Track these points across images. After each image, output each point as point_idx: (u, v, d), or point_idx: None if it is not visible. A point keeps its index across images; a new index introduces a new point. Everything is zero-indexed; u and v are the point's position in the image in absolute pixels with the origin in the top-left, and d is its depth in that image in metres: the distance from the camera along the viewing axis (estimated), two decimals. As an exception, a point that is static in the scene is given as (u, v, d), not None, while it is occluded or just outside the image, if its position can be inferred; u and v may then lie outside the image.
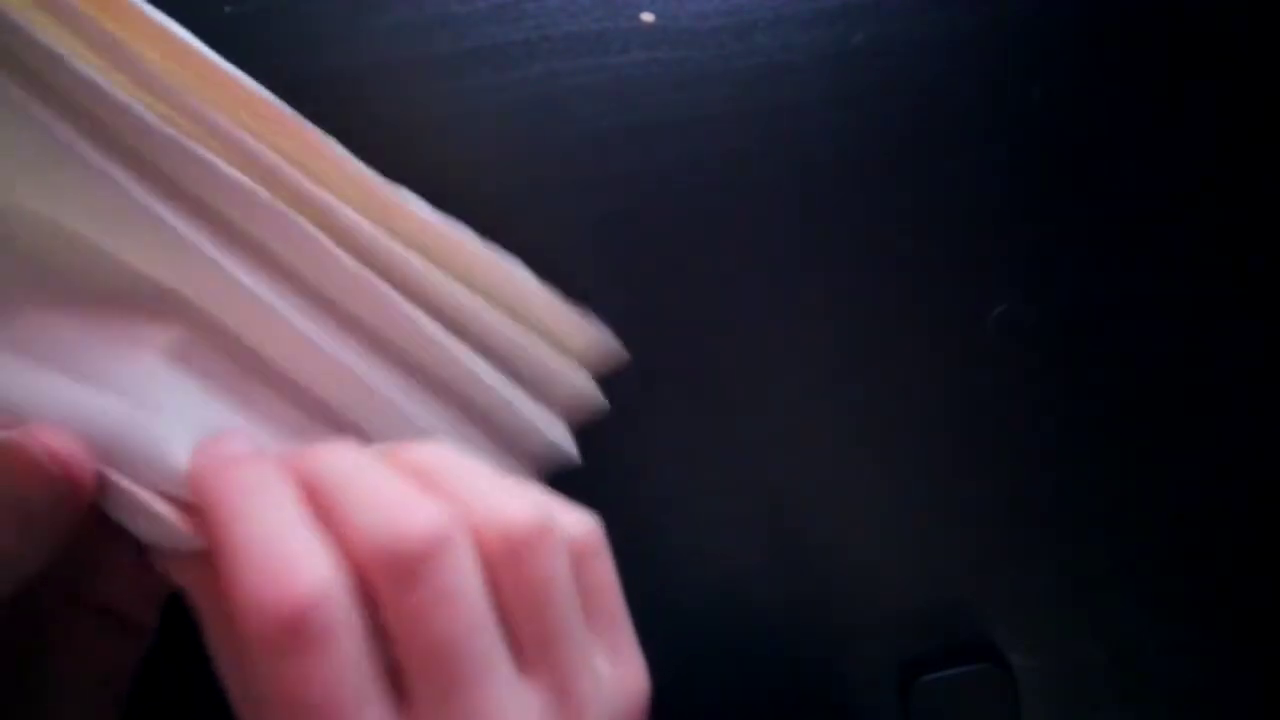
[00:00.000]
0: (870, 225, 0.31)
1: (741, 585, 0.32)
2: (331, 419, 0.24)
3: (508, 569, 0.19)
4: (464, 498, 0.20)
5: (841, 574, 0.32)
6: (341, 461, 0.20)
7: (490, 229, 0.27)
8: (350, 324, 0.24)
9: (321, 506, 0.19)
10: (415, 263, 0.25)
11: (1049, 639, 0.34)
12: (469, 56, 0.29)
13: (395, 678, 0.19)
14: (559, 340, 0.28)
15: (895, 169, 0.31)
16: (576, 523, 0.21)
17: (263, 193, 0.22)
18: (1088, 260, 0.32)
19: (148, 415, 0.20)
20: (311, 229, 0.23)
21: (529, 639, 0.20)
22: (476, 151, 0.29)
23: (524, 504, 0.20)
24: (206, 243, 0.22)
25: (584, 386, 0.28)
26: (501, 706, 0.19)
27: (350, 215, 0.24)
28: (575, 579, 0.20)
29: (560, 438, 0.27)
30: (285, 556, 0.18)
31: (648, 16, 0.29)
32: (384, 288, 0.24)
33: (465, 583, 0.19)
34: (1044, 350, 0.32)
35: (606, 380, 0.29)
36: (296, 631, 0.17)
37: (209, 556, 0.19)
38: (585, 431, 0.28)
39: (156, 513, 0.20)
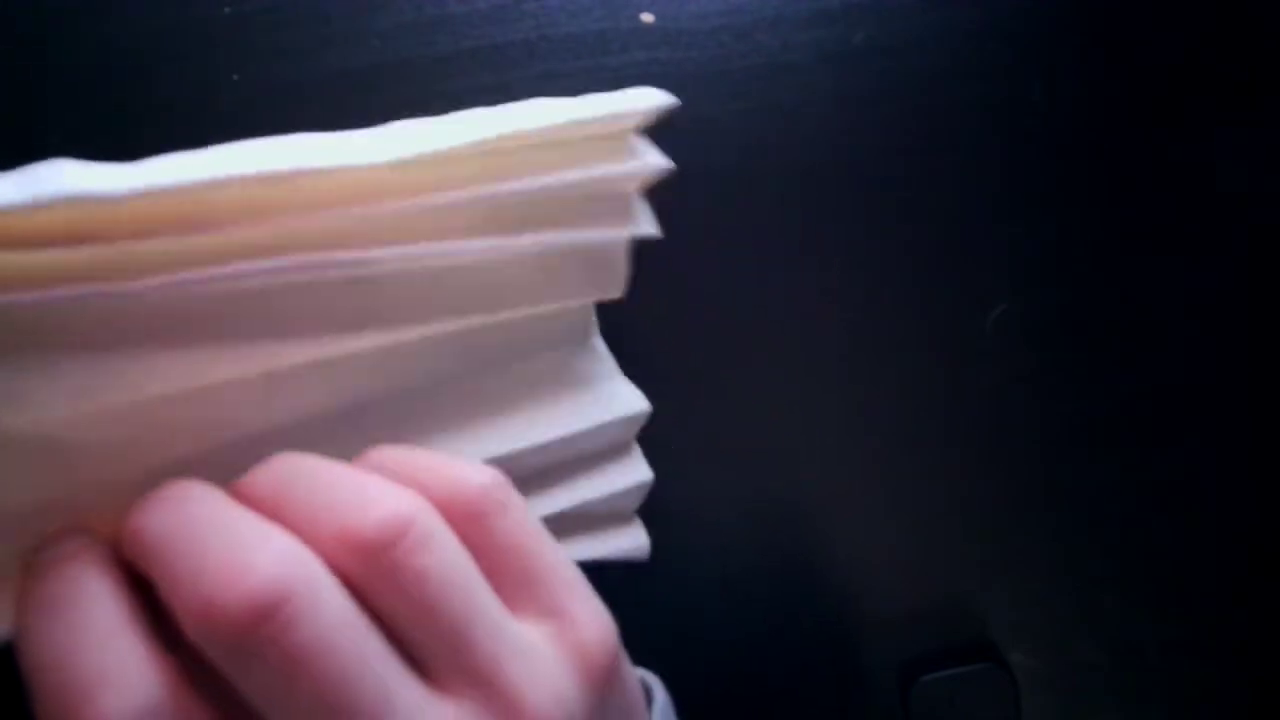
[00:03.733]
0: (870, 225, 0.31)
1: (741, 585, 0.32)
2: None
3: (378, 578, 0.17)
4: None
5: (842, 574, 0.32)
6: (277, 463, 0.19)
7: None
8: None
9: (268, 507, 0.17)
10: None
11: (1049, 639, 0.34)
12: (469, 56, 0.29)
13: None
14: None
15: (895, 169, 0.31)
16: (458, 484, 0.18)
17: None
18: (1088, 260, 0.32)
19: None
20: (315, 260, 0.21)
21: (428, 649, 0.17)
22: (476, 151, 0.29)
23: (381, 509, 0.17)
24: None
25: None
26: (506, 661, 0.17)
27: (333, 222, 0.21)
28: (475, 548, 0.18)
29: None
30: (236, 546, 0.16)
31: (648, 16, 0.29)
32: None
33: (447, 545, 0.17)
34: (1044, 350, 0.32)
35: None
36: (270, 611, 0.15)
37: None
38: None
39: None
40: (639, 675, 0.23)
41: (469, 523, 0.18)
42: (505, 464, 0.22)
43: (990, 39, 0.31)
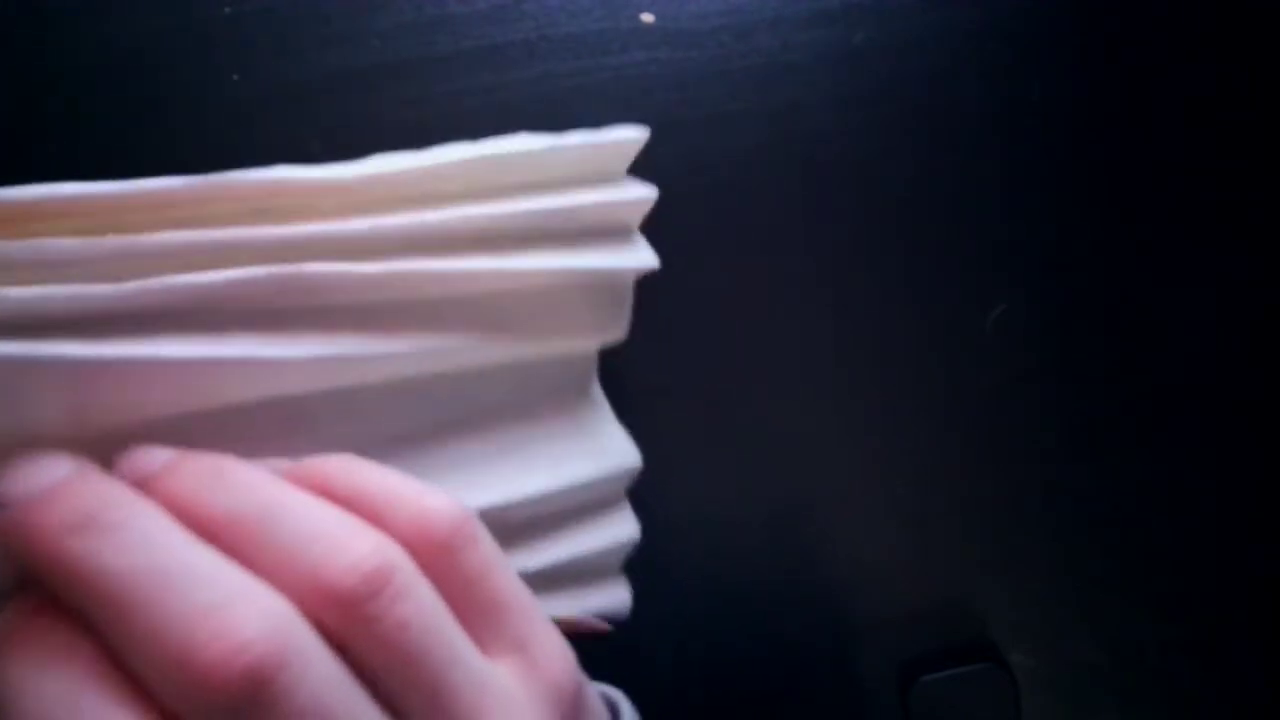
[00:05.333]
0: (870, 225, 0.31)
1: (741, 585, 0.32)
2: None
3: (356, 628, 0.16)
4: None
5: (842, 574, 0.32)
6: (248, 493, 0.17)
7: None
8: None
9: (224, 542, 0.16)
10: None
11: (1049, 639, 0.34)
12: (469, 56, 0.29)
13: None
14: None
15: (895, 169, 0.31)
16: (427, 518, 0.18)
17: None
18: (1088, 260, 0.32)
19: None
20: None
21: (408, 699, 0.17)
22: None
23: (357, 557, 0.17)
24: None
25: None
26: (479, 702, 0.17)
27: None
28: (440, 582, 0.18)
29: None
30: (215, 603, 0.15)
31: (648, 17, 0.29)
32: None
33: (424, 592, 0.17)
34: (1044, 350, 0.32)
35: (604, 381, 0.29)
36: (265, 679, 0.15)
37: None
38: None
39: None
40: (603, 691, 0.24)
41: (437, 557, 0.18)
42: (495, 515, 0.22)
43: (990, 39, 0.31)
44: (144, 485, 0.17)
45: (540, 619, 0.19)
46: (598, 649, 0.23)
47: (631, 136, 0.25)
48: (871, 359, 0.31)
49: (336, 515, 0.17)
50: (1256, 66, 0.32)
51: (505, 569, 0.19)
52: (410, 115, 0.28)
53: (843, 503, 0.32)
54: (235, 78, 0.28)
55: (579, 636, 0.21)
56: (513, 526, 0.23)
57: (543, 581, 0.24)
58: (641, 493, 0.27)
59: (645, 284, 0.27)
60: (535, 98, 0.29)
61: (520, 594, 0.19)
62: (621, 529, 0.26)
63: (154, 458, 0.18)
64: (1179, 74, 0.32)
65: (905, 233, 0.31)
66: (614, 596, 0.26)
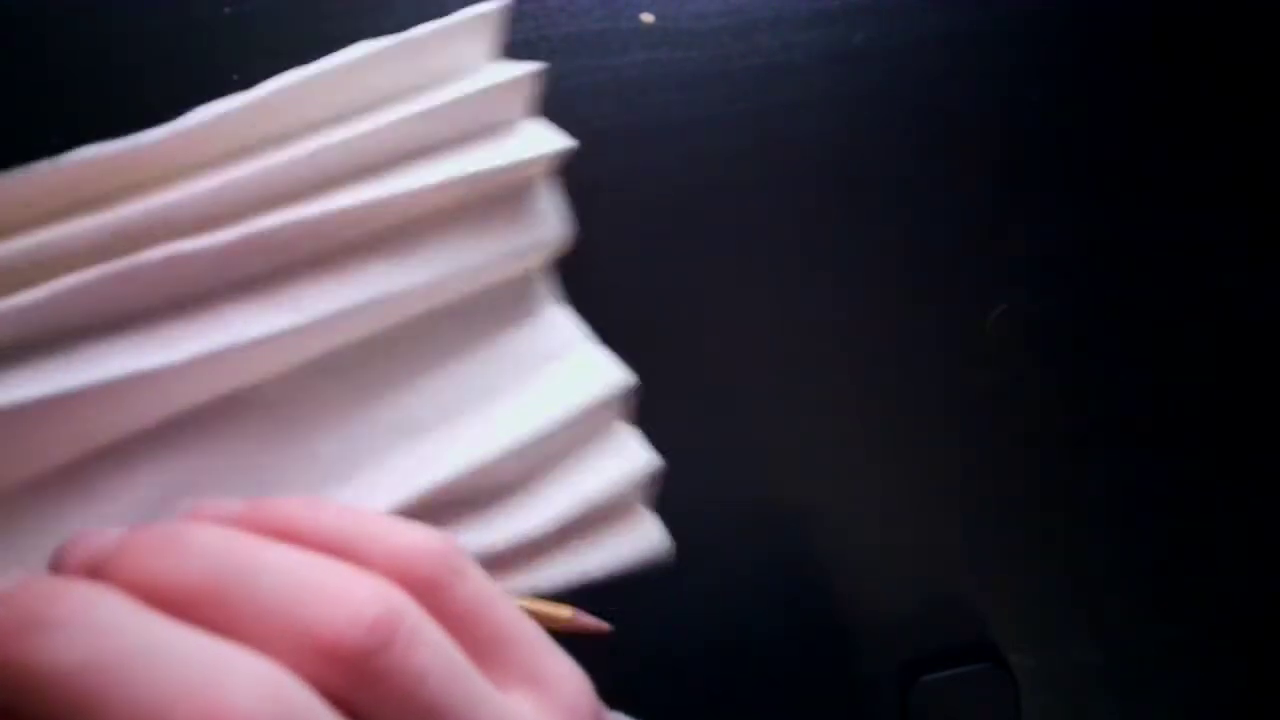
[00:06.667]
0: (869, 225, 0.31)
1: (741, 585, 0.32)
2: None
3: (369, 686, 0.15)
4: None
5: (842, 574, 0.32)
6: (216, 555, 0.15)
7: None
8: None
9: (216, 619, 0.14)
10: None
11: (1049, 639, 0.34)
12: (469, 56, 0.29)
13: None
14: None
15: (895, 169, 0.31)
16: (408, 555, 0.16)
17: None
18: (1088, 260, 0.32)
19: None
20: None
21: None
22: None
23: (356, 606, 0.15)
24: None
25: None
26: None
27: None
28: (439, 621, 0.16)
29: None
30: (196, 682, 0.13)
31: (648, 17, 0.29)
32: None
33: (434, 634, 0.16)
34: (1044, 350, 0.32)
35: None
36: None
37: None
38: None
39: None
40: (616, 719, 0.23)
41: (426, 596, 0.16)
42: (481, 475, 0.20)
43: (990, 40, 0.31)
44: (97, 572, 0.15)
45: (546, 645, 0.18)
46: (599, 648, 0.23)
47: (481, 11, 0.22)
48: (872, 359, 0.31)
49: (321, 563, 0.16)
50: (1257, 66, 0.32)
51: (500, 597, 0.18)
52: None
53: (842, 503, 0.32)
54: (235, 78, 0.28)
55: (578, 636, 0.21)
56: (503, 484, 0.22)
57: (559, 538, 0.22)
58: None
59: (645, 284, 0.27)
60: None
61: (520, 621, 0.18)
62: (630, 459, 0.24)
63: (103, 538, 0.16)
64: (1179, 74, 0.32)
65: (905, 232, 0.31)
66: (645, 538, 0.24)
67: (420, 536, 0.17)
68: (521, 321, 0.24)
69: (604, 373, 0.24)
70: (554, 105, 0.29)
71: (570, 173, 0.29)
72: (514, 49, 0.29)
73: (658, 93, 0.29)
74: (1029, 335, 0.32)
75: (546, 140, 0.23)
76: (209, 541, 0.15)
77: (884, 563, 0.32)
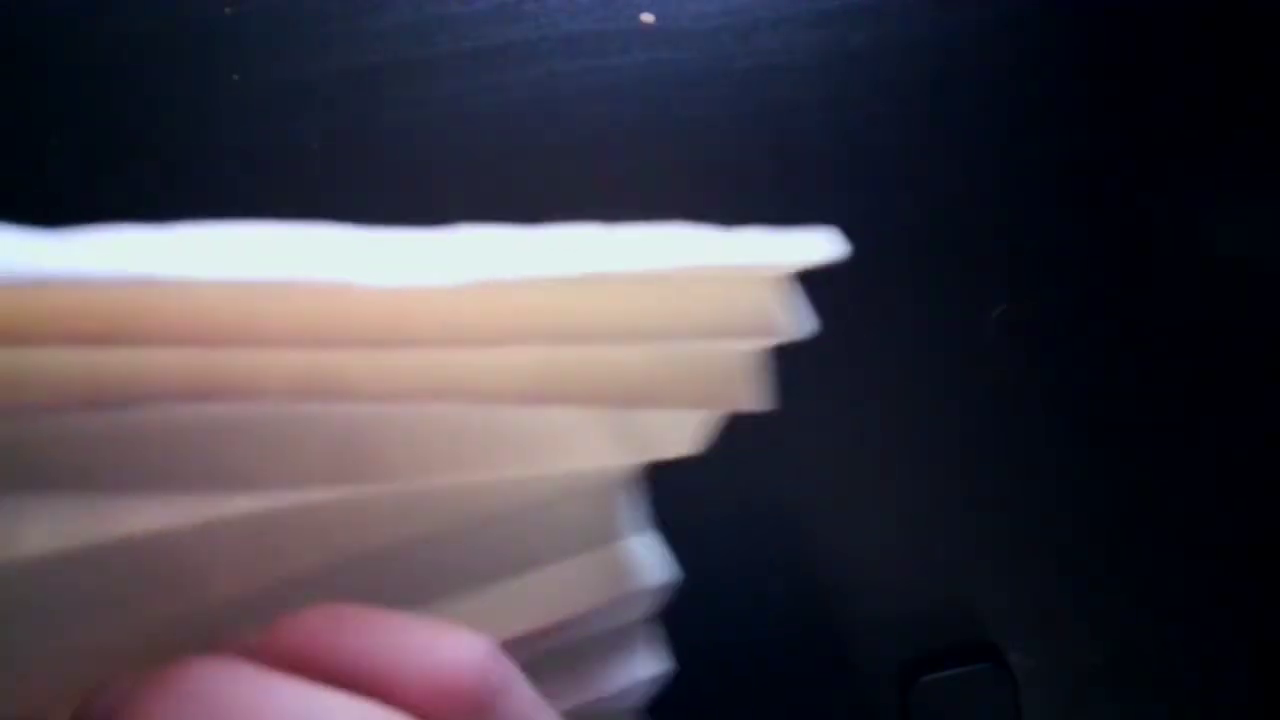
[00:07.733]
0: (869, 225, 0.31)
1: (740, 585, 0.32)
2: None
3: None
4: None
5: (842, 574, 0.32)
6: (308, 616, 0.15)
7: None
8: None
9: (316, 668, 0.15)
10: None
11: (1049, 639, 0.34)
12: (469, 56, 0.29)
13: None
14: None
15: (895, 169, 0.31)
16: (450, 671, 0.15)
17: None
18: (1088, 260, 0.32)
19: None
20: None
21: None
22: (476, 152, 0.29)
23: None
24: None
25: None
26: None
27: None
28: None
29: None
30: None
31: (648, 17, 0.29)
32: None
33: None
34: (1044, 350, 0.32)
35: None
36: None
37: None
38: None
39: None
40: None
41: (473, 717, 0.15)
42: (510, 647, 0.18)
43: (990, 40, 0.31)
44: None
45: None
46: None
47: (818, 254, 0.19)
48: (872, 358, 0.31)
49: (341, 710, 0.14)
50: (1258, 66, 0.32)
51: (547, 710, 0.16)
52: (410, 115, 0.28)
53: (843, 503, 0.32)
54: (235, 78, 0.28)
55: None
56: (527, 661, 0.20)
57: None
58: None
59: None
60: (535, 98, 0.29)
61: None
62: (649, 664, 0.23)
63: (119, 689, 0.15)
64: (1179, 74, 0.32)
65: (905, 233, 0.31)
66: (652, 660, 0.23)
67: (456, 649, 0.15)
68: (601, 496, 0.23)
69: (656, 565, 0.23)
70: (554, 105, 0.29)
71: (570, 173, 0.29)
72: (514, 49, 0.29)
73: (658, 93, 0.29)
74: (1029, 335, 0.32)
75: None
76: (321, 610, 0.15)
77: (884, 563, 0.32)
